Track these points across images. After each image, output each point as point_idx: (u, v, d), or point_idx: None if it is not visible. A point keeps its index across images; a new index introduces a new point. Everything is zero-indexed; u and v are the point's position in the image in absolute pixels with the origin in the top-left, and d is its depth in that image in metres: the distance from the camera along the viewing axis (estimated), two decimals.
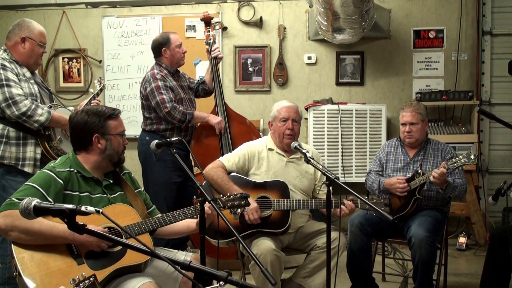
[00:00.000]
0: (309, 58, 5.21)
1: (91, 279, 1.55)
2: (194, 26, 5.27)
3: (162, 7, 5.36)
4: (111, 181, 2.46)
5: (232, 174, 3.14)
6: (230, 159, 3.18)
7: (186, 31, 5.28)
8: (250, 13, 5.27)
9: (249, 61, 5.29)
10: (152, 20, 5.34)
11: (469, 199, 4.64)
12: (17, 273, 2.06)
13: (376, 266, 3.76)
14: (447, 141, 3.79)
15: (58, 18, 5.49)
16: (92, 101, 3.41)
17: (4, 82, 3.00)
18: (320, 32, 4.82)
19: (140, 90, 3.93)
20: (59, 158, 2.43)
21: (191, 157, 4.03)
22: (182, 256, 2.48)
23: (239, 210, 2.59)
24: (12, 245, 2.11)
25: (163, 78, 3.81)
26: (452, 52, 5.05)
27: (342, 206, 2.91)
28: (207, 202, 2.32)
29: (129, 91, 5.41)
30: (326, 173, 2.57)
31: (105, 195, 2.39)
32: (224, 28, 5.26)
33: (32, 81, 3.18)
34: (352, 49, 5.15)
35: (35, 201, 1.59)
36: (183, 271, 1.52)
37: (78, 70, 5.54)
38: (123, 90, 5.42)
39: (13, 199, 2.13)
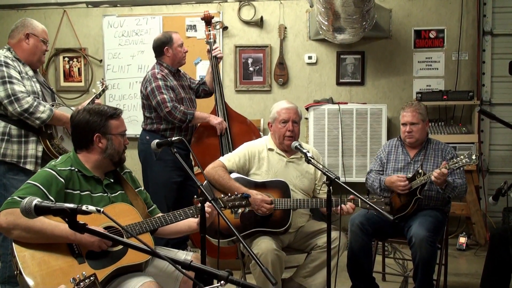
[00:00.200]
0: (310, 58, 5.21)
1: (91, 278, 1.54)
2: (194, 25, 5.27)
3: (162, 6, 5.36)
4: (112, 180, 2.46)
5: (232, 174, 3.14)
6: (230, 159, 3.18)
7: (187, 31, 5.28)
8: (251, 13, 5.27)
9: (250, 60, 5.29)
10: (153, 20, 5.34)
11: (470, 199, 4.64)
12: (18, 272, 2.06)
13: (377, 266, 3.76)
14: (448, 141, 3.79)
15: (58, 17, 5.49)
16: (93, 102, 3.42)
17: (6, 79, 3.02)
18: (320, 32, 4.83)
19: (141, 89, 3.93)
20: (60, 157, 2.43)
21: (191, 157, 4.04)
22: (183, 255, 2.48)
23: (240, 210, 2.59)
24: (13, 243, 2.12)
25: (163, 78, 3.81)
26: (453, 52, 5.05)
27: (342, 205, 2.91)
28: (208, 202, 2.32)
29: (129, 91, 5.41)
30: (326, 172, 2.57)
31: (105, 194, 2.39)
32: (225, 28, 5.26)
33: (34, 79, 3.20)
34: (353, 49, 5.15)
35: (36, 200, 1.60)
36: (184, 271, 1.52)
37: (79, 69, 5.54)
38: (124, 90, 5.42)
39: (15, 197, 2.13)
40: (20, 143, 3.09)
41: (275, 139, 3.25)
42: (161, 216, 2.44)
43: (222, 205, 2.54)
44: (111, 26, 5.41)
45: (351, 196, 2.90)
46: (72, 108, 3.36)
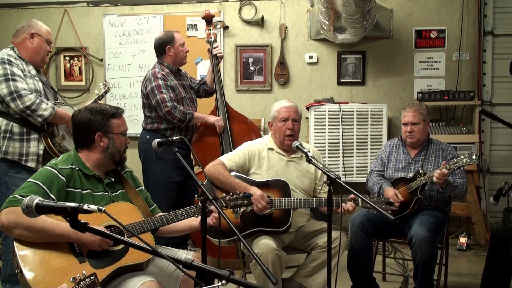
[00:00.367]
0: (311, 57, 5.21)
1: (91, 277, 1.54)
2: (195, 25, 5.27)
3: (163, 5, 5.36)
4: (113, 179, 2.46)
5: (232, 173, 3.14)
6: (230, 158, 3.18)
7: (188, 30, 5.28)
8: (252, 12, 5.27)
9: (251, 60, 5.29)
10: (154, 19, 5.34)
11: (470, 199, 4.64)
12: (18, 271, 2.06)
13: (377, 265, 3.76)
14: (448, 141, 3.79)
15: (59, 16, 5.49)
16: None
17: (9, 76, 3.04)
18: (321, 32, 4.82)
19: (141, 88, 3.93)
20: (61, 156, 2.43)
21: (191, 156, 4.04)
22: (184, 254, 2.48)
23: (241, 209, 2.59)
24: (14, 242, 2.11)
25: (164, 77, 3.81)
26: (454, 52, 5.05)
27: (343, 204, 2.91)
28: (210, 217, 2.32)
29: (130, 90, 5.41)
30: (327, 172, 2.57)
31: (106, 193, 2.39)
32: (226, 27, 5.26)
33: (37, 78, 3.22)
34: (354, 48, 5.15)
35: (38, 199, 1.59)
36: (186, 270, 1.52)
37: (80, 68, 5.54)
38: (124, 89, 5.42)
39: (16, 195, 2.13)
40: (22, 141, 3.11)
41: (275, 139, 3.25)
42: (163, 215, 2.44)
43: (224, 205, 2.54)
44: (112, 25, 5.41)
45: (351, 196, 2.90)
46: (75, 107, 3.37)
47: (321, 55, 5.22)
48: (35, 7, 5.52)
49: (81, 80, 5.55)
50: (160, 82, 3.77)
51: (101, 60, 5.47)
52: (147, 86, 3.81)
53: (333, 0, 3.75)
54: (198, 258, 2.41)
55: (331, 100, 4.94)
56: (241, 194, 2.59)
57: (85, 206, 1.56)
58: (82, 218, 1.57)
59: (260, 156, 3.20)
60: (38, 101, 3.06)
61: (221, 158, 3.20)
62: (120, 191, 2.47)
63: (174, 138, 2.51)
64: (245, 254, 3.31)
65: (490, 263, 3.21)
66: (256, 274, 2.93)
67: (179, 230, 2.58)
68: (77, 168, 2.33)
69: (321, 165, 2.72)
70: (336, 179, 2.52)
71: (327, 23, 4.32)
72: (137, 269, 2.28)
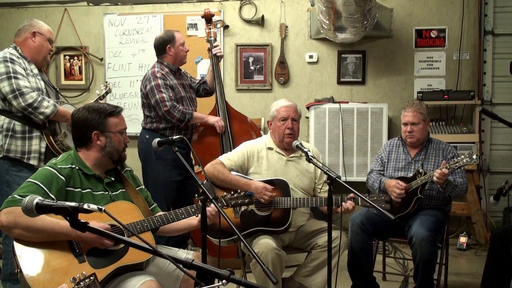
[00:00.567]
0: (311, 56, 5.20)
1: (91, 278, 1.54)
2: (195, 24, 5.26)
3: (163, 5, 5.35)
4: (113, 179, 2.46)
5: (232, 172, 3.13)
6: (229, 158, 3.18)
7: (188, 29, 5.27)
8: (252, 12, 5.27)
9: (251, 59, 5.29)
10: (154, 18, 5.33)
11: (470, 198, 4.64)
12: (18, 270, 2.06)
13: (377, 265, 3.76)
14: (449, 141, 3.78)
15: (59, 15, 5.48)
16: None
17: (12, 74, 3.05)
18: (321, 31, 4.82)
19: (141, 88, 3.93)
20: (60, 155, 2.43)
21: (191, 156, 4.04)
22: (184, 254, 2.48)
23: (242, 208, 2.58)
24: (14, 242, 2.11)
25: (163, 77, 3.80)
26: (454, 52, 5.05)
27: (343, 203, 2.91)
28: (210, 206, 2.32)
29: (130, 89, 5.41)
30: (327, 171, 2.57)
31: (107, 193, 2.39)
32: (226, 27, 5.25)
33: (39, 77, 3.24)
34: (354, 48, 5.15)
35: (37, 199, 1.59)
36: (186, 270, 1.52)
37: (80, 67, 5.54)
38: (124, 88, 5.42)
39: (15, 196, 2.13)
40: (24, 139, 3.12)
41: (274, 138, 3.24)
42: (163, 214, 2.44)
43: (225, 204, 2.53)
44: (112, 25, 5.41)
45: (351, 195, 2.89)
46: (76, 107, 3.38)
47: (321, 54, 5.22)
48: (35, 6, 5.52)
49: (81, 80, 5.55)
50: (160, 81, 3.77)
51: (101, 59, 5.46)
52: (147, 86, 3.81)
53: (333, 0, 3.75)
54: (198, 257, 2.40)
55: (331, 100, 4.94)
56: (242, 193, 2.58)
57: (85, 206, 1.55)
58: (82, 217, 1.57)
59: (259, 156, 3.20)
60: (40, 98, 3.08)
61: (220, 157, 3.20)
62: (120, 190, 2.46)
63: (174, 137, 2.50)
64: (245, 253, 3.31)
65: (490, 262, 3.21)
66: (256, 273, 2.93)
67: (178, 229, 2.57)
68: (77, 168, 2.33)
69: (321, 164, 2.71)
70: (337, 179, 2.52)
71: (327, 22, 4.31)
72: (137, 268, 2.27)
